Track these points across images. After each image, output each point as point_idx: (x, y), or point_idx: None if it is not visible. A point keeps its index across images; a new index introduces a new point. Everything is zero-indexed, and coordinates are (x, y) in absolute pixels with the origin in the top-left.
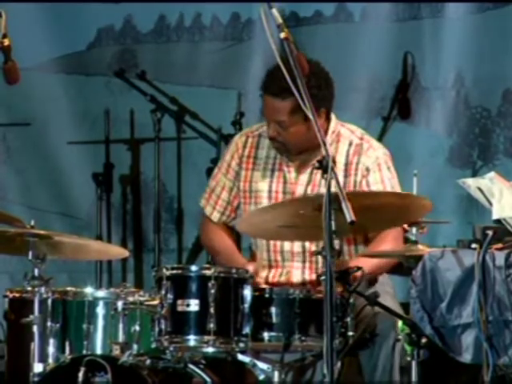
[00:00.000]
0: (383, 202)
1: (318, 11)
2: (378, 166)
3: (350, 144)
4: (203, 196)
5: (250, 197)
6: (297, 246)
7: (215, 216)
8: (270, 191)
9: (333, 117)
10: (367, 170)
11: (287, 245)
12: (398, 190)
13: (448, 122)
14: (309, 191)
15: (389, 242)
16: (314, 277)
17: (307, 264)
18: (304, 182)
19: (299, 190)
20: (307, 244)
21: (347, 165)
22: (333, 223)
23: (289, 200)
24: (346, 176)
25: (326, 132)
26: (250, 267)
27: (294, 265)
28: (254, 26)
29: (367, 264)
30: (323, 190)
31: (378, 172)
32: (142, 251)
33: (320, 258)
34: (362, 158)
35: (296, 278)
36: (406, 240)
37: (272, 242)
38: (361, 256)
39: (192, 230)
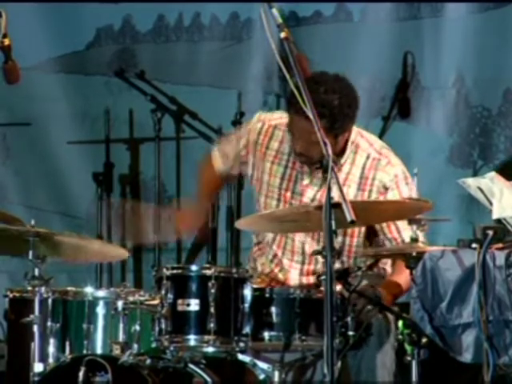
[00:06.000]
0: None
1: (318, 11)
2: (395, 183)
3: (368, 157)
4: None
5: (261, 188)
6: (297, 246)
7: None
8: (280, 188)
9: (354, 126)
10: (384, 187)
11: (289, 243)
12: None
13: (448, 121)
14: (318, 197)
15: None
16: (311, 280)
17: (305, 266)
18: (316, 186)
19: (309, 194)
20: (307, 246)
21: (362, 178)
22: (333, 223)
23: (289, 210)
24: (359, 189)
25: (346, 142)
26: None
27: (292, 264)
28: (254, 25)
29: (394, 290)
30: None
31: (396, 189)
32: (142, 251)
33: (319, 259)
34: (378, 174)
35: (293, 280)
36: None
37: (278, 237)
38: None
39: None
